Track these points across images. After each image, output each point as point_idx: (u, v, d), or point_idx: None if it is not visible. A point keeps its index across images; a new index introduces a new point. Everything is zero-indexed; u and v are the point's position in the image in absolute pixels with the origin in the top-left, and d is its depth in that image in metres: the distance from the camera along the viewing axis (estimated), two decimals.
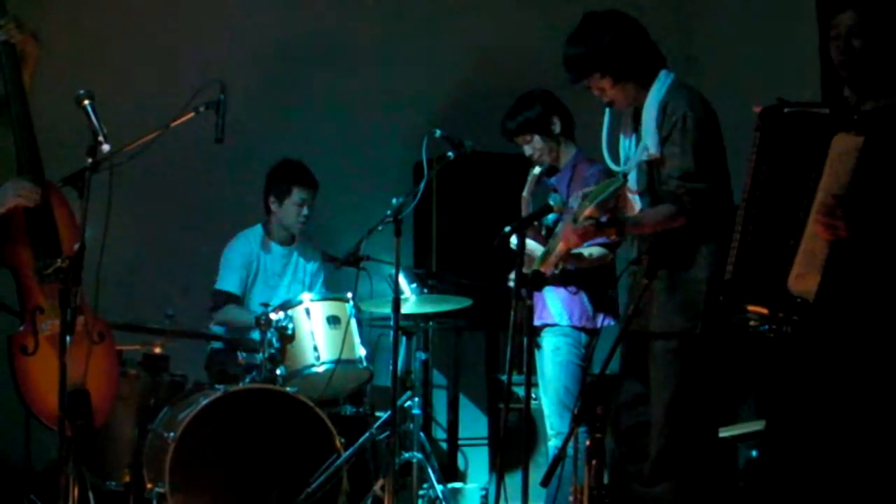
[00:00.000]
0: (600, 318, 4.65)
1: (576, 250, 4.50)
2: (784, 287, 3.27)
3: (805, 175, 3.26)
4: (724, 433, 4.40)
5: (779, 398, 3.45)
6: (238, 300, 5.54)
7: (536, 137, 4.74)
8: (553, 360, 4.63)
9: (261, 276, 5.58)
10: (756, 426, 4.59)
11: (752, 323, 3.47)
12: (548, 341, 4.65)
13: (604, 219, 3.81)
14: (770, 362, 3.49)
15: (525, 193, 4.69)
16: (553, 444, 4.61)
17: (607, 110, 3.99)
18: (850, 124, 3.21)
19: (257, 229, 5.63)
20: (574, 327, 4.63)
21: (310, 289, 5.54)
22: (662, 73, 3.89)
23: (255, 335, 5.11)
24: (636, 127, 3.95)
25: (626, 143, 4.01)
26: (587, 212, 3.82)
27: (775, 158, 3.33)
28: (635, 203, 3.94)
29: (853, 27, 3.32)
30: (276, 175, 5.60)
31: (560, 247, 4.16)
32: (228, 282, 5.53)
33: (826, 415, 3.28)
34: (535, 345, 4.67)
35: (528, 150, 4.77)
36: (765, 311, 3.36)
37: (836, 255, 3.20)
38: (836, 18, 3.38)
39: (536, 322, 4.62)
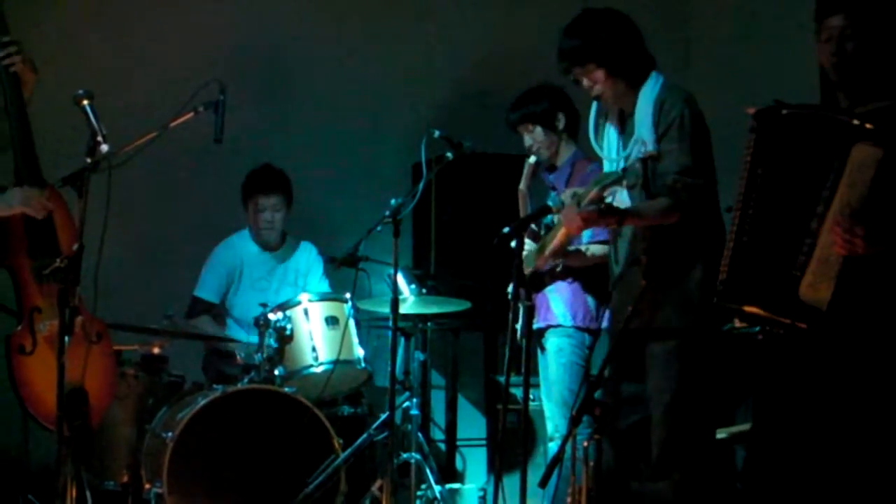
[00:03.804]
0: (604, 315, 4.61)
1: (575, 246, 4.50)
2: (794, 294, 3.18)
3: (813, 181, 3.17)
4: (721, 434, 4.39)
5: (778, 404, 3.41)
6: (213, 308, 5.56)
7: (538, 128, 4.71)
8: (557, 360, 4.60)
9: (245, 280, 5.56)
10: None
11: (737, 324, 3.45)
12: (551, 342, 4.62)
13: (604, 206, 3.82)
14: (764, 365, 3.46)
15: (522, 186, 4.68)
16: (553, 445, 4.60)
17: (595, 103, 4.04)
18: (866, 133, 3.11)
19: (244, 234, 5.62)
20: (578, 328, 4.59)
21: (304, 288, 5.53)
22: (654, 74, 3.94)
23: (254, 338, 5.11)
24: (622, 128, 3.98)
25: (612, 138, 4.03)
26: (591, 195, 3.82)
27: (774, 161, 3.25)
28: (622, 198, 3.96)
29: (845, 30, 3.30)
30: (243, 185, 5.60)
31: (560, 234, 4.14)
32: (206, 289, 5.56)
33: (831, 423, 3.24)
34: (539, 346, 4.66)
35: (527, 139, 4.74)
36: (765, 313, 3.28)
37: (851, 266, 3.12)
38: (826, 22, 3.35)
39: (540, 324, 4.62)
